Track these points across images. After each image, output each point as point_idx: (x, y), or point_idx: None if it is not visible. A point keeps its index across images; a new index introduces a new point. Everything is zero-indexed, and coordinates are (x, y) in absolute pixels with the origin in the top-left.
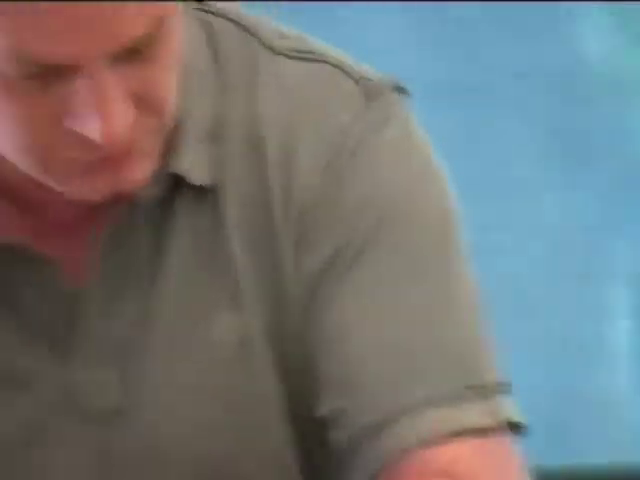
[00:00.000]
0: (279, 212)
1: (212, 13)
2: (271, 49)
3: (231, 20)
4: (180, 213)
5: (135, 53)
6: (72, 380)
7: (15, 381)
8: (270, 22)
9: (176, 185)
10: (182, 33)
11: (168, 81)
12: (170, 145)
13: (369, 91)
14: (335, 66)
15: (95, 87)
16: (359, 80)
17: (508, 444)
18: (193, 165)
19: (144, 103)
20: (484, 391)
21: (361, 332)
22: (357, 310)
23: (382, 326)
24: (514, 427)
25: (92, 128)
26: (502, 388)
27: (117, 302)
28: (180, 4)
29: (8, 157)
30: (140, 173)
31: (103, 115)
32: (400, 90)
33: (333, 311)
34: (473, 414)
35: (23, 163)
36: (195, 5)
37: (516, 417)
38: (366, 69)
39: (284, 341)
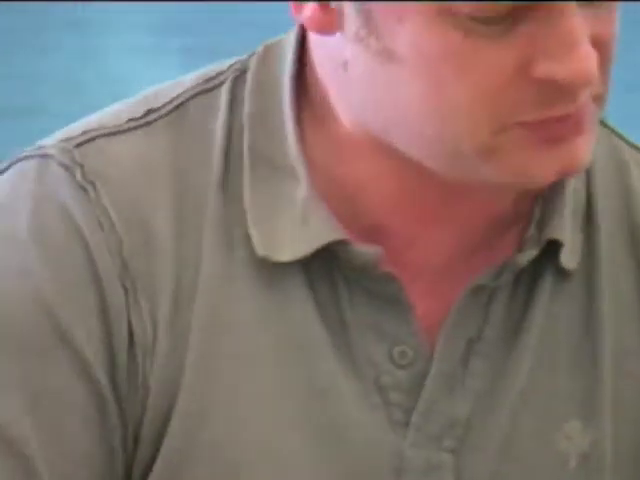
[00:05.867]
0: None
1: None
2: (632, 145)
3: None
4: (544, 292)
5: None
6: (403, 454)
7: (342, 432)
8: None
9: (542, 260)
10: None
11: (615, 34)
12: (547, 211)
13: None
14: None
15: (566, 24)
16: None
17: None
18: (568, 240)
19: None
20: None
21: None
22: None
23: None
24: None
25: (564, 69)
26: None
27: (463, 378)
28: None
29: (430, 149)
30: (588, 149)
31: (576, 54)
32: None
33: None
34: None
35: (459, 145)
36: None
37: None
38: None
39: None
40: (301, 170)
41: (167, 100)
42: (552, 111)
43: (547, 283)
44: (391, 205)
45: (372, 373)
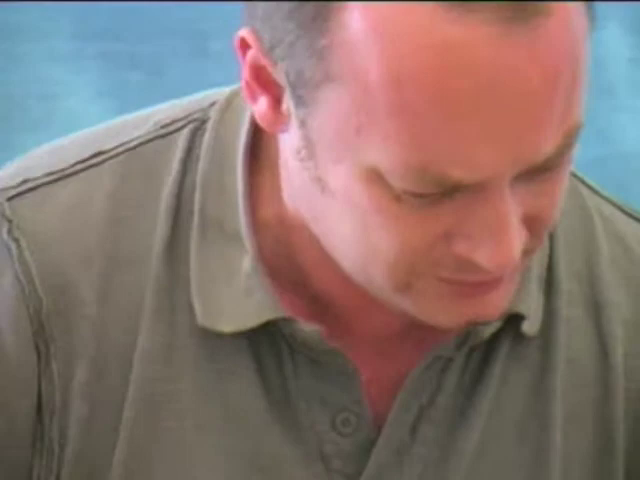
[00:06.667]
0: (617, 385)
1: None
2: (595, 192)
3: None
4: (499, 359)
5: (537, 172)
6: None
7: None
8: None
9: (502, 327)
10: None
11: (558, 205)
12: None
13: None
14: None
15: (494, 210)
16: None
17: None
18: (531, 311)
19: (530, 226)
20: None
21: None
22: None
23: None
24: None
25: (483, 254)
26: None
27: (411, 446)
28: None
29: (354, 272)
30: (504, 300)
31: (499, 242)
32: None
33: None
34: None
35: (379, 280)
36: None
37: None
38: None
39: None
40: (249, 241)
41: (118, 143)
42: (469, 276)
43: (504, 349)
44: (333, 281)
45: (315, 441)
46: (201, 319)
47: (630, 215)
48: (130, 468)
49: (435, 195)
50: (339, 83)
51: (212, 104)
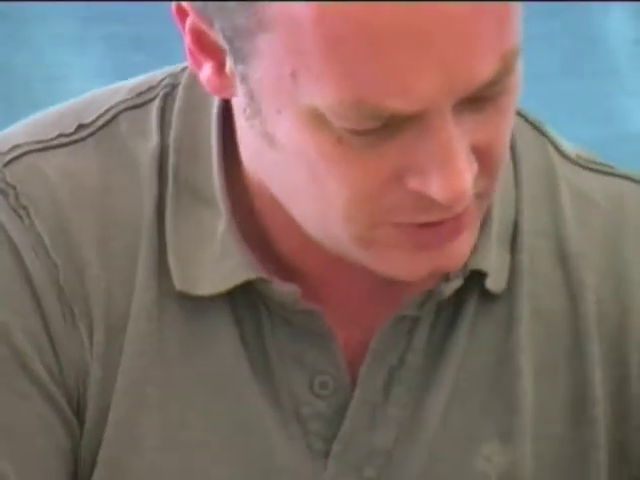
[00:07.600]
0: (590, 332)
1: None
2: (564, 156)
3: (520, 114)
4: (467, 317)
5: (480, 100)
6: None
7: (267, 464)
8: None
9: (467, 285)
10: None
11: (506, 136)
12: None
13: None
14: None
15: (440, 140)
16: None
17: None
18: (492, 268)
19: (480, 160)
20: None
21: None
22: None
23: None
24: None
25: (436, 186)
26: None
27: (385, 407)
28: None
29: (314, 228)
30: (464, 251)
31: (448, 172)
32: None
33: None
34: None
35: (338, 233)
36: None
37: None
38: None
39: None
40: (223, 203)
41: (97, 115)
42: (428, 216)
43: (471, 307)
44: (298, 245)
45: (292, 404)
46: (178, 284)
47: (598, 171)
48: (121, 425)
49: (375, 133)
50: (271, 30)
51: (183, 69)
